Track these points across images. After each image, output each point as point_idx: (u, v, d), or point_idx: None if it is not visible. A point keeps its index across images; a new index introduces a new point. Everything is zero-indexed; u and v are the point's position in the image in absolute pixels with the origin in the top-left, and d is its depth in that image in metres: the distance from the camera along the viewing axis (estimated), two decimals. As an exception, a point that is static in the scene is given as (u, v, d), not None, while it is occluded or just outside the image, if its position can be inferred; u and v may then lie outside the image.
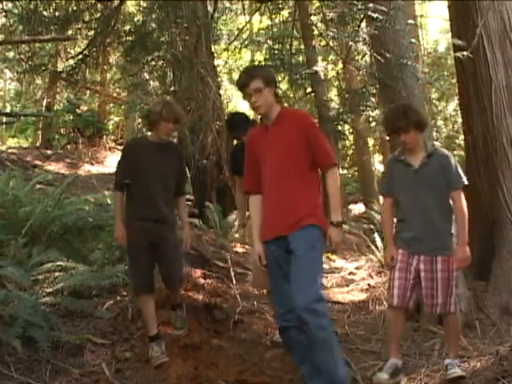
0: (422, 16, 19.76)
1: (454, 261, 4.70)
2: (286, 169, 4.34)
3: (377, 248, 9.25)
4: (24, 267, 5.60)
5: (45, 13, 8.96)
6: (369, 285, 8.22)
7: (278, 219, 4.30)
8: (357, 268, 9.53)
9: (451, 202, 4.79)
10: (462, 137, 12.09)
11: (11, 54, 14.52)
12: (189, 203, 11.12)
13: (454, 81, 12.14)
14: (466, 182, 4.88)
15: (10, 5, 9.62)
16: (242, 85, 4.47)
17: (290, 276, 4.16)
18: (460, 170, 4.85)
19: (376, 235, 9.46)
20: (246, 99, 4.58)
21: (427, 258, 4.74)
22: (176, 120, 5.31)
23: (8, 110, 22.82)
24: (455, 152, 24.22)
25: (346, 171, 23.86)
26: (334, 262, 10.23)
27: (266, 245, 4.40)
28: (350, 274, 9.22)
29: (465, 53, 6.50)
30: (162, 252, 5.22)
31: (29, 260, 5.82)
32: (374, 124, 14.72)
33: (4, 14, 9.67)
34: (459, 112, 10.61)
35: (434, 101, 22.51)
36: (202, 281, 7.03)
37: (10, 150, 17.01)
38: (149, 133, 5.69)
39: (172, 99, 5.32)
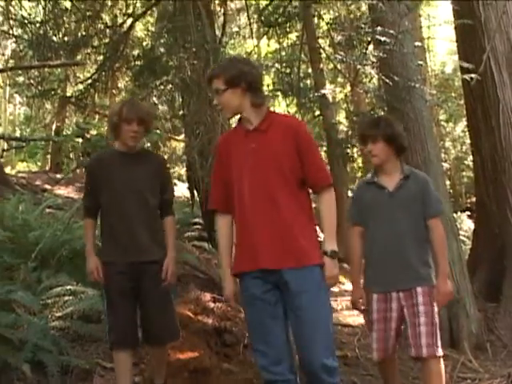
0: (429, 38, 19.81)
1: (436, 295, 4.21)
2: (272, 185, 3.60)
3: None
4: (33, 291, 5.60)
5: (54, 38, 9.03)
6: (379, 307, 8.17)
7: (264, 247, 3.54)
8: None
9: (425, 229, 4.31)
10: (470, 158, 12.12)
11: (21, 79, 14.62)
12: (198, 227, 11.14)
13: (462, 102, 12.16)
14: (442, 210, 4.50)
15: (19, 30, 9.71)
16: (207, 81, 3.95)
17: (282, 320, 3.59)
18: (438, 196, 4.49)
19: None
20: None
21: (406, 292, 4.21)
22: (140, 120, 4.38)
23: (18, 134, 23.04)
24: (464, 173, 24.31)
25: (354, 193, 23.85)
26: (343, 284, 10.19)
27: (243, 277, 3.67)
28: (359, 296, 9.17)
29: (472, 75, 6.53)
30: (145, 296, 4.34)
31: (38, 284, 5.82)
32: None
33: (14, 39, 9.76)
34: (467, 133, 10.62)
35: (442, 122, 22.56)
36: (211, 304, 7.00)
37: (19, 174, 17.07)
38: (115, 144, 4.68)
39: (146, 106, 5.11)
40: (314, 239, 3.66)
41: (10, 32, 9.54)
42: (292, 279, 3.50)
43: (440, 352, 4.17)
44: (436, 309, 4.22)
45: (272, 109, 4.25)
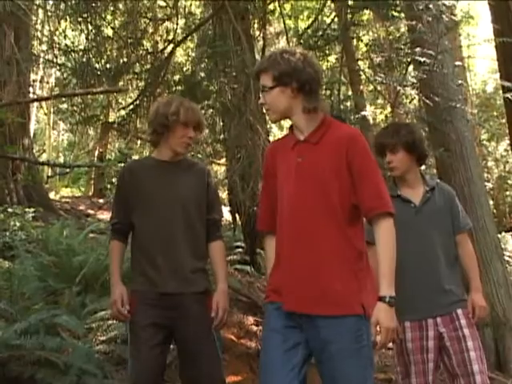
0: (469, 57, 19.71)
1: (476, 311, 3.79)
2: (313, 212, 2.98)
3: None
4: (78, 315, 5.64)
5: (97, 65, 9.18)
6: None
7: (293, 287, 2.97)
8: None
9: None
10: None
11: (65, 106, 14.87)
12: (240, 250, 11.14)
13: (504, 121, 12.05)
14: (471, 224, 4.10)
15: (63, 59, 9.90)
16: (254, 75, 3.28)
17: (298, 367, 2.94)
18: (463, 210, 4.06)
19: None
20: None
21: (446, 317, 3.76)
22: (198, 125, 3.80)
23: (61, 160, 23.39)
24: (507, 192, 23.98)
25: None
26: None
27: (268, 305, 3.14)
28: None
29: (514, 94, 6.48)
30: (183, 338, 3.61)
31: (82, 308, 5.87)
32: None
33: (58, 67, 9.94)
34: (510, 152, 10.51)
35: (484, 142, 22.33)
36: (254, 328, 7.00)
37: (63, 200, 17.31)
38: (155, 151, 3.95)
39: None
40: (359, 282, 2.97)
41: (54, 61, 9.71)
42: (324, 325, 2.90)
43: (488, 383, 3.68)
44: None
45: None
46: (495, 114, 20.47)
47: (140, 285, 3.65)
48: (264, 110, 3.33)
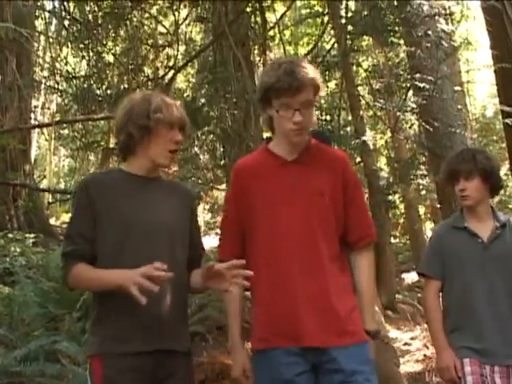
0: (468, 82, 19.80)
1: None
2: (318, 238, 2.72)
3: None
4: (78, 342, 5.62)
5: (98, 91, 9.24)
6: (425, 355, 8.02)
7: (310, 319, 2.63)
8: (412, 338, 9.33)
9: None
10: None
11: (66, 132, 14.92)
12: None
13: (504, 145, 12.08)
14: None
15: (65, 85, 9.96)
16: (287, 88, 2.63)
17: None
18: None
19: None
20: (279, 113, 2.71)
21: (502, 368, 3.29)
22: (184, 126, 2.90)
23: (62, 186, 23.39)
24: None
25: (397, 240, 23.67)
26: (388, 332, 10.07)
27: (268, 354, 2.68)
28: (404, 344, 9.02)
29: (514, 118, 6.51)
30: None
31: (83, 334, 5.83)
32: (424, 192, 14.64)
33: (60, 93, 10.00)
34: (510, 176, 10.53)
35: (485, 166, 22.34)
36: (250, 353, 6.97)
37: (64, 225, 17.27)
38: (125, 164, 2.94)
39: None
40: (358, 311, 2.80)
41: (56, 87, 9.78)
42: (342, 356, 2.63)
43: None
44: None
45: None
46: (495, 138, 20.47)
47: (108, 345, 2.62)
48: (293, 130, 2.72)
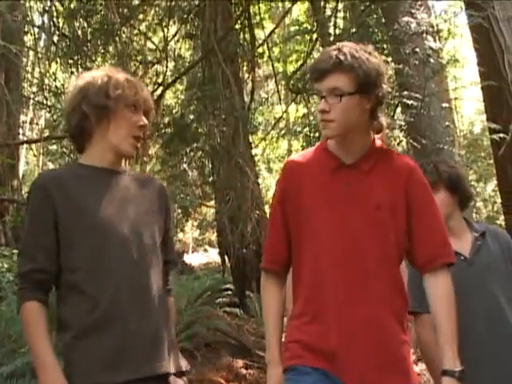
0: (456, 99, 19.93)
1: None
2: (369, 251, 2.37)
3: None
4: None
5: (87, 108, 9.23)
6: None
7: (360, 350, 2.29)
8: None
9: None
10: (502, 217, 12.01)
11: (54, 148, 14.90)
12: (229, 293, 11.11)
13: (492, 161, 12.13)
14: None
15: (53, 100, 9.95)
16: (318, 73, 2.39)
17: None
18: None
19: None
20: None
21: None
22: (149, 108, 2.56)
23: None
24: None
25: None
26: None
27: (300, 371, 2.35)
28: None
29: (501, 135, 6.53)
30: None
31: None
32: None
33: (48, 109, 9.99)
34: (498, 192, 10.56)
35: (473, 182, 22.44)
36: (243, 371, 6.95)
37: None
38: (82, 156, 2.52)
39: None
40: (408, 342, 2.45)
41: (45, 102, 9.77)
42: None
43: None
44: None
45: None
46: (483, 154, 20.58)
47: (91, 374, 2.23)
48: (320, 120, 2.43)
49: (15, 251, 9.73)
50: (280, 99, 12.74)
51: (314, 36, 10.61)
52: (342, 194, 2.41)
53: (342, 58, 2.32)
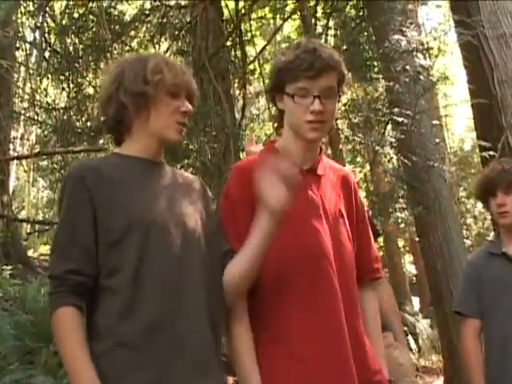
0: (446, 116, 20.02)
1: None
2: (350, 267, 2.27)
3: (411, 350, 9.08)
4: (54, 375, 5.55)
5: (77, 123, 9.23)
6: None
7: (341, 366, 2.10)
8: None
9: None
10: (492, 234, 12.05)
11: (45, 163, 14.89)
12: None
13: (482, 179, 12.21)
14: None
15: (44, 116, 9.95)
16: (307, 68, 2.14)
17: None
18: None
19: (410, 337, 9.30)
20: (294, 100, 2.18)
21: None
22: (192, 93, 2.33)
23: (41, 217, 23.26)
24: (487, 250, 24.06)
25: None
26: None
27: None
28: (384, 377, 9.04)
29: (491, 152, 6.56)
30: None
31: (59, 368, 5.77)
32: (403, 225, 14.69)
33: (39, 125, 9.99)
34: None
35: (463, 199, 22.50)
36: (233, 388, 6.91)
37: (42, 257, 17.11)
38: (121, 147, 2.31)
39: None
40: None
41: (35, 118, 9.77)
42: None
43: None
44: None
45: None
46: (473, 171, 20.67)
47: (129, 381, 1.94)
48: (310, 122, 2.18)
49: (5, 267, 9.69)
50: (271, 116, 12.77)
51: (305, 53, 10.66)
52: (310, 199, 2.23)
53: (333, 55, 2.22)
